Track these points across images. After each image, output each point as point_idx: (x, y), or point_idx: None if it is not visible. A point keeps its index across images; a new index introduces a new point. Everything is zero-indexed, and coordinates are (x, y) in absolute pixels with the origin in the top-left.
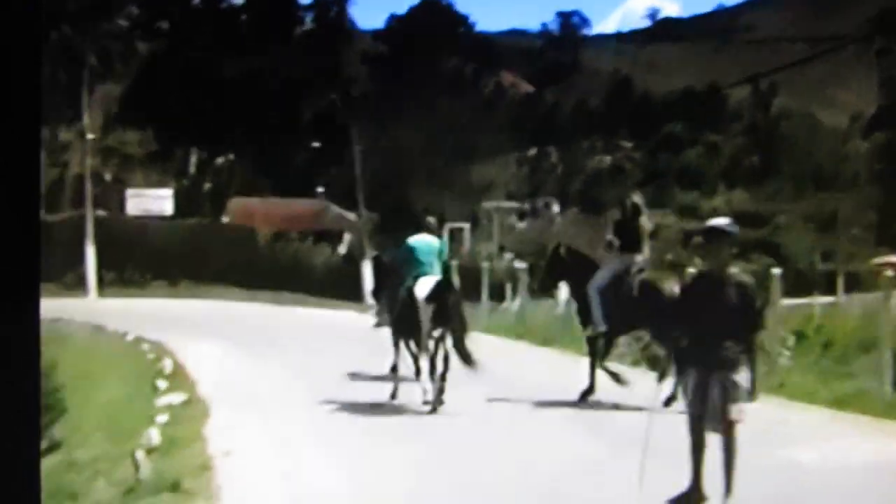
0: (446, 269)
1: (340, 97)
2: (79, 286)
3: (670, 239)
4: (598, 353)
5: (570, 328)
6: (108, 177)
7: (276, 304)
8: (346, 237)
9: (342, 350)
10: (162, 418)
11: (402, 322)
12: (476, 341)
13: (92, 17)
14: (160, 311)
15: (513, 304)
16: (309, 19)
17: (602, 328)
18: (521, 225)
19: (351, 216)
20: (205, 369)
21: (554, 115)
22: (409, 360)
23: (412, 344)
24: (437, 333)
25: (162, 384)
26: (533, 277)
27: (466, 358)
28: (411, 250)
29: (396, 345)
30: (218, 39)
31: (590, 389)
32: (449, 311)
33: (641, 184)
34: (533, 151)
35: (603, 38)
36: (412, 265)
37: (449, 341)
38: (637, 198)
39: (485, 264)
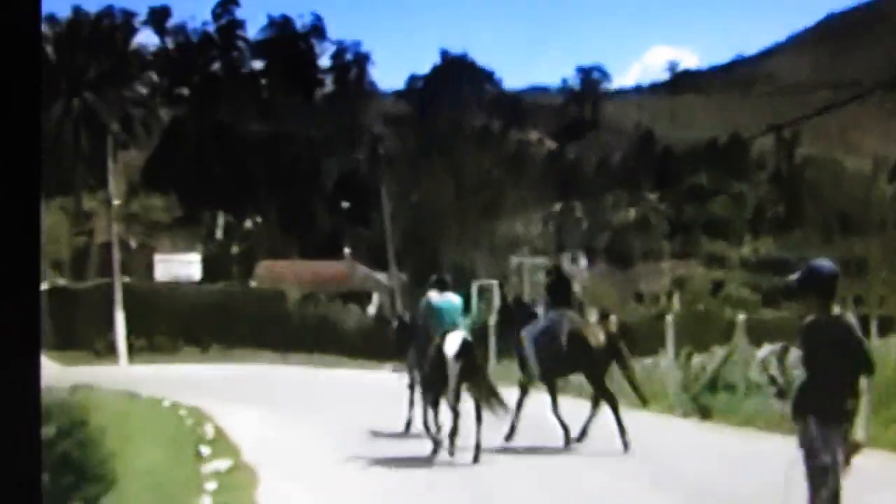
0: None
1: (368, 157)
2: (109, 353)
3: (698, 290)
4: (553, 396)
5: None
6: (133, 243)
7: (309, 365)
8: (376, 297)
9: (379, 409)
10: (211, 486)
11: (433, 379)
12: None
13: (112, 83)
14: (193, 377)
15: None
16: (329, 81)
17: (535, 375)
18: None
19: (380, 276)
20: (245, 435)
21: (577, 170)
22: (433, 415)
23: (443, 399)
24: (465, 388)
25: (205, 450)
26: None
27: (500, 403)
28: (436, 310)
29: (428, 401)
30: (239, 104)
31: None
32: (476, 366)
33: (668, 235)
34: (558, 207)
35: (623, 93)
36: (437, 323)
37: (475, 394)
38: (562, 263)
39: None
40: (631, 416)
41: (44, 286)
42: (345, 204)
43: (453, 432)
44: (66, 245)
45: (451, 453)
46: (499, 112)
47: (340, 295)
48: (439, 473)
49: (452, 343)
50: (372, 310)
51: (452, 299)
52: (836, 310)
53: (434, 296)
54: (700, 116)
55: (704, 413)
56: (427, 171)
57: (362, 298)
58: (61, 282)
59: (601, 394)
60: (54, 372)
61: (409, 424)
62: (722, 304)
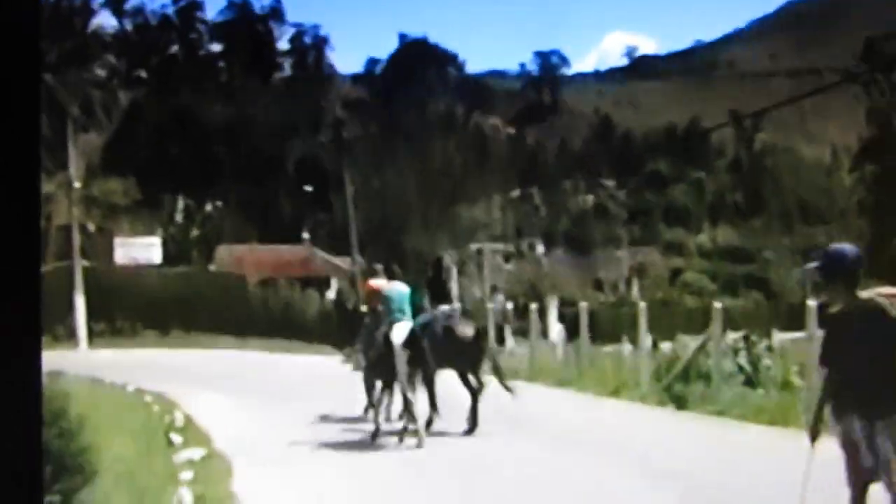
0: (416, 314)
1: (331, 141)
2: (69, 338)
3: (657, 277)
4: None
5: (581, 368)
6: (92, 227)
7: (269, 351)
8: (335, 283)
9: (341, 395)
10: (186, 475)
11: (379, 366)
12: (492, 387)
13: (71, 66)
14: (154, 362)
15: (510, 347)
16: (288, 65)
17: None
18: (508, 266)
19: (339, 261)
20: (215, 422)
21: (536, 156)
22: (381, 401)
23: (389, 385)
24: (413, 375)
25: (176, 438)
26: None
27: (432, 403)
28: (385, 298)
29: (371, 387)
30: (199, 87)
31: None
32: (423, 354)
33: (627, 222)
34: (517, 193)
35: (582, 78)
36: (386, 311)
37: (423, 381)
38: (446, 258)
39: (456, 305)
40: (605, 404)
41: None
42: (307, 188)
43: (407, 418)
44: None
45: (401, 439)
46: (462, 96)
47: (299, 280)
48: (412, 454)
49: (400, 332)
50: (331, 295)
51: (401, 288)
52: (863, 294)
53: (383, 284)
54: (659, 103)
55: (679, 403)
56: (390, 155)
57: (321, 284)
58: None
59: (465, 385)
60: None
61: (366, 409)
62: (680, 292)
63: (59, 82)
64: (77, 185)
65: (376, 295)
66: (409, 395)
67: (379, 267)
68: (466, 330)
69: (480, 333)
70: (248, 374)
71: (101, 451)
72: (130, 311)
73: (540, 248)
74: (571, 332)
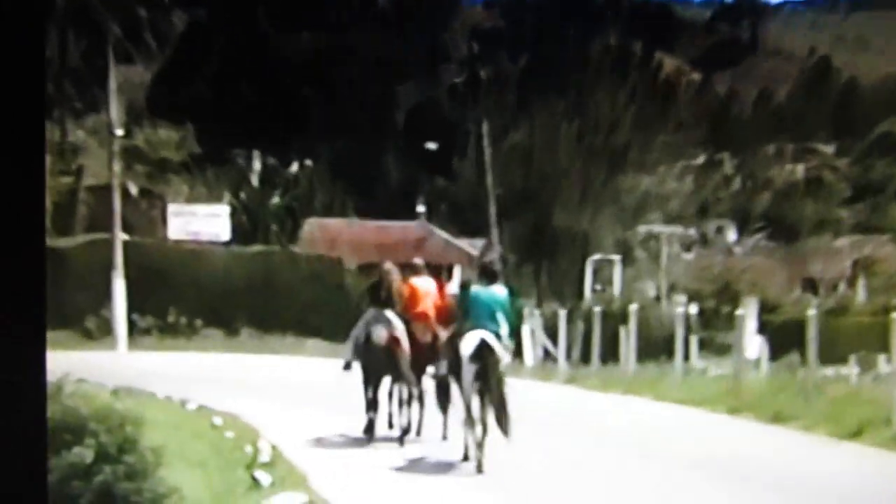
0: (515, 321)
1: (459, 83)
2: (104, 334)
3: (892, 274)
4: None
5: (804, 397)
6: (135, 189)
7: None
8: (458, 271)
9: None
10: None
11: (456, 377)
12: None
13: None
14: (220, 370)
15: (697, 363)
16: None
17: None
18: (689, 256)
19: (463, 244)
20: (310, 455)
21: (728, 111)
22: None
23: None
24: (478, 393)
25: (264, 478)
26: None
27: (503, 425)
28: (472, 301)
29: (445, 405)
30: (281, 7)
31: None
32: (488, 371)
33: (849, 200)
34: (701, 159)
35: (791, 7)
36: (470, 317)
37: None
38: (388, 266)
39: (634, 307)
40: (846, 450)
41: None
42: (430, 145)
43: (467, 438)
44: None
45: (465, 457)
46: (637, 28)
47: (411, 266)
48: None
49: (470, 342)
50: (452, 287)
51: (496, 291)
52: None
53: (477, 286)
54: None
55: None
56: (537, 105)
57: (440, 272)
58: None
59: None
60: None
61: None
62: None
63: None
64: (119, 132)
65: (417, 298)
66: (473, 413)
67: (419, 262)
68: (380, 336)
69: (390, 342)
70: (348, 388)
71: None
72: (187, 302)
73: (731, 234)
74: (775, 348)
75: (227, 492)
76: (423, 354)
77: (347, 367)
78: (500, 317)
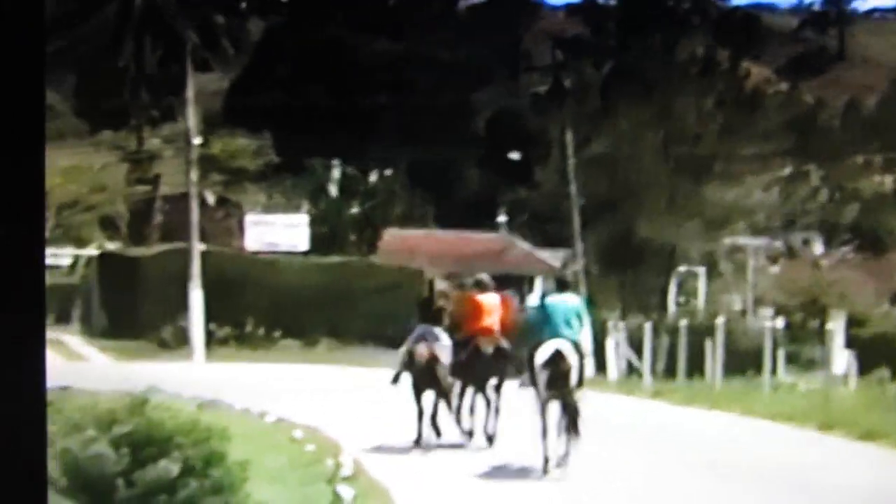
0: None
1: (543, 91)
2: (180, 345)
3: None
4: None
5: None
6: (211, 198)
7: None
8: (539, 283)
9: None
10: None
11: (533, 384)
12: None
13: None
14: (299, 382)
15: (784, 378)
16: None
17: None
18: (774, 269)
19: (545, 255)
20: (392, 470)
21: (814, 120)
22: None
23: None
24: (551, 399)
25: (346, 493)
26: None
27: (573, 429)
28: (548, 310)
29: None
30: (357, 13)
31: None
32: (561, 378)
33: None
34: (787, 170)
35: (881, 14)
36: (546, 326)
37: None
38: (440, 285)
39: (720, 320)
40: None
41: (91, 251)
42: (513, 155)
43: (544, 446)
44: (121, 197)
45: (545, 470)
46: (725, 36)
47: (493, 278)
48: None
49: (546, 350)
50: (534, 300)
51: (569, 300)
52: None
53: (552, 296)
54: None
55: None
56: (621, 112)
57: (521, 284)
58: (113, 246)
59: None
60: (105, 369)
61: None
62: None
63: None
64: (197, 140)
65: (482, 313)
66: (545, 420)
67: (486, 279)
68: (423, 355)
69: (430, 361)
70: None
71: None
72: (264, 312)
73: (818, 246)
74: (863, 363)
75: None
76: (488, 366)
77: (396, 380)
78: (576, 323)
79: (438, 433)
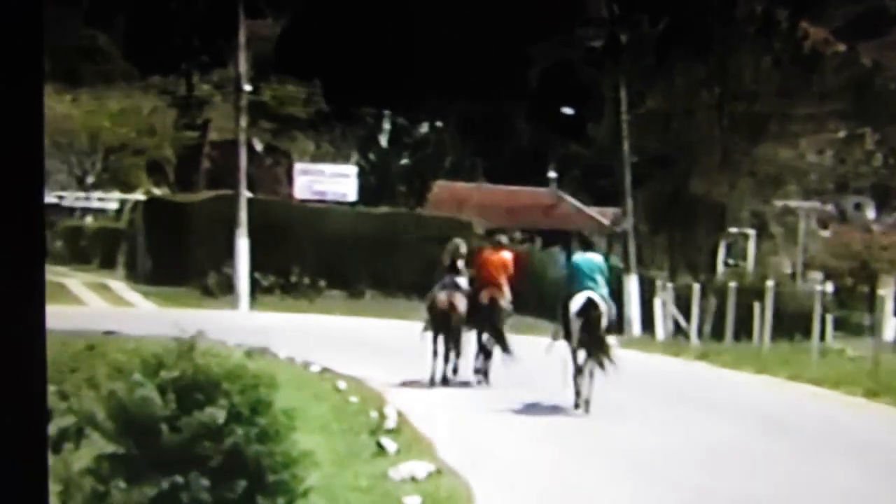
0: (609, 283)
1: (598, 45)
2: (225, 293)
3: None
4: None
5: None
6: (260, 146)
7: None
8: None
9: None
10: (412, 501)
11: (566, 332)
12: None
13: None
14: (344, 333)
15: (833, 344)
16: None
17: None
18: (825, 233)
19: (594, 212)
20: (435, 422)
21: (871, 83)
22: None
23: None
24: (585, 344)
25: (390, 445)
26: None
27: (601, 364)
28: (575, 267)
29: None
30: None
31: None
32: (592, 324)
33: None
34: (842, 133)
35: None
36: (574, 281)
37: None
38: (457, 240)
39: (770, 283)
40: None
41: (138, 196)
42: (567, 110)
43: (575, 385)
44: (169, 141)
45: (576, 405)
46: None
47: (541, 234)
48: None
49: (577, 301)
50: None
51: (594, 258)
52: None
53: (578, 254)
54: None
55: None
56: (676, 68)
57: (569, 241)
58: (160, 192)
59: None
60: (151, 314)
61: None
62: None
63: None
64: (247, 87)
65: (487, 265)
66: (579, 361)
67: (503, 238)
68: (441, 300)
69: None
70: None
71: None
72: (311, 263)
73: (870, 211)
74: None
75: (351, 457)
76: (484, 314)
77: (426, 328)
78: (600, 279)
79: (455, 371)
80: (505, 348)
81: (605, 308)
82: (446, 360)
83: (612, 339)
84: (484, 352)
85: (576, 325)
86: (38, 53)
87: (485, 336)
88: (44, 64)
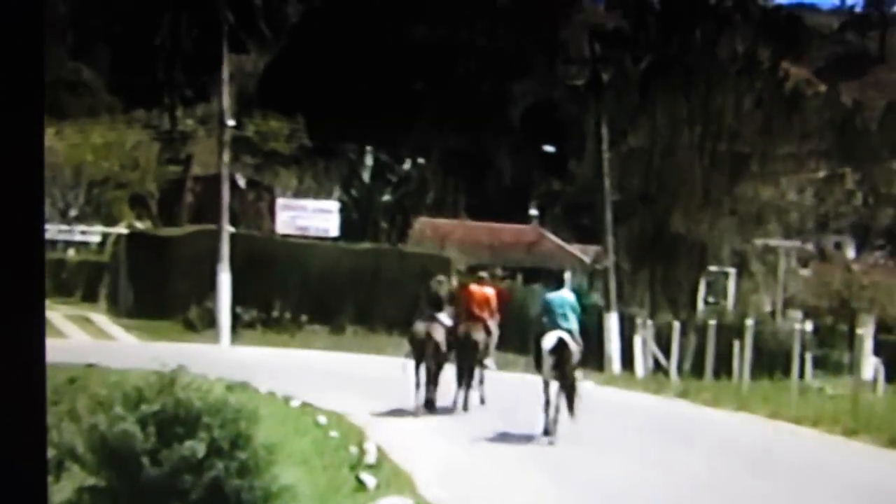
0: (581, 318)
1: (580, 83)
2: (206, 327)
3: None
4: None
5: None
6: (242, 181)
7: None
8: (568, 277)
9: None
10: None
11: (537, 366)
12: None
13: None
14: (324, 368)
15: (812, 382)
16: None
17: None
18: (805, 272)
19: (575, 249)
20: (416, 457)
21: (852, 123)
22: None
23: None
24: (555, 380)
25: (369, 480)
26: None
27: (571, 407)
28: (547, 304)
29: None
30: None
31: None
32: (564, 362)
33: None
34: (822, 172)
35: None
36: (547, 318)
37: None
38: (440, 278)
39: (750, 321)
40: None
41: (121, 229)
42: (548, 148)
43: (546, 420)
44: (152, 176)
45: (545, 432)
46: (766, 35)
47: (522, 270)
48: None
49: (550, 339)
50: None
51: (566, 295)
52: None
53: (551, 293)
54: None
55: None
56: (659, 107)
57: (549, 278)
58: (142, 226)
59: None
60: (132, 348)
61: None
62: None
63: None
64: (231, 122)
65: (473, 303)
66: (551, 397)
67: (485, 274)
68: (419, 331)
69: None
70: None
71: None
72: (293, 297)
73: (850, 250)
74: (892, 369)
75: (331, 492)
76: (463, 347)
77: (408, 356)
78: (571, 315)
79: (433, 401)
80: (480, 381)
81: (576, 347)
82: (427, 387)
83: (579, 374)
84: (466, 384)
85: (548, 362)
86: (40, 98)
87: (468, 368)
88: (44, 110)
